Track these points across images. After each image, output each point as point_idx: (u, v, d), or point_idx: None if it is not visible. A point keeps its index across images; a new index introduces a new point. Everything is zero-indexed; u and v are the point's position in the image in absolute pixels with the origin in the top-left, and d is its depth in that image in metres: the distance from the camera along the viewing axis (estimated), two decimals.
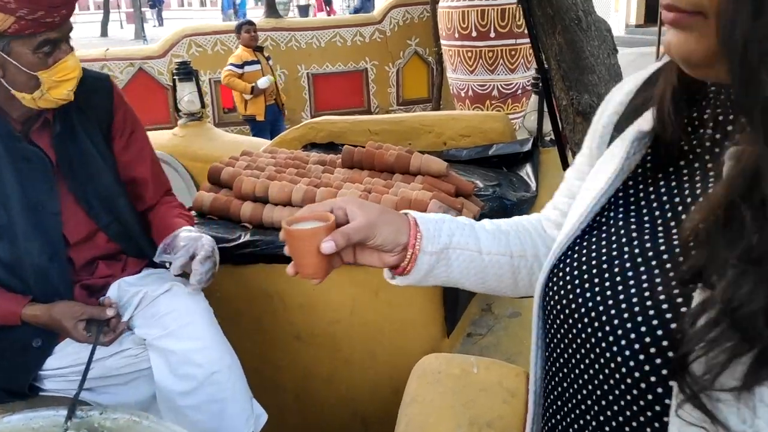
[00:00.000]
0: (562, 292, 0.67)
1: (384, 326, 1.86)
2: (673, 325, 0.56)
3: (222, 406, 1.53)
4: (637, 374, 0.58)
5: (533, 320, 0.73)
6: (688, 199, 0.62)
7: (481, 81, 6.49)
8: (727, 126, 0.62)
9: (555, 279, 0.69)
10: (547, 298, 0.70)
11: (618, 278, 0.62)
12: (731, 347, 0.49)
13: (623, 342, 0.59)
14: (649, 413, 0.57)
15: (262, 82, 5.60)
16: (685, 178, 0.65)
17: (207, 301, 1.64)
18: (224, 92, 6.84)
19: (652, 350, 0.56)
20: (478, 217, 2.01)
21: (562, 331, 0.67)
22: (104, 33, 19.68)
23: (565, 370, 0.68)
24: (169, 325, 1.54)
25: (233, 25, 6.75)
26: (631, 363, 0.58)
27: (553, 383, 0.70)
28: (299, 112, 7.47)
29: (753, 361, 0.49)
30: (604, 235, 0.68)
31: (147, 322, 1.57)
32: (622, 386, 0.59)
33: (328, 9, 21.39)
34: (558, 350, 0.69)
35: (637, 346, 0.58)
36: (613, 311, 0.61)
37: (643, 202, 0.67)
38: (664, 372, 0.55)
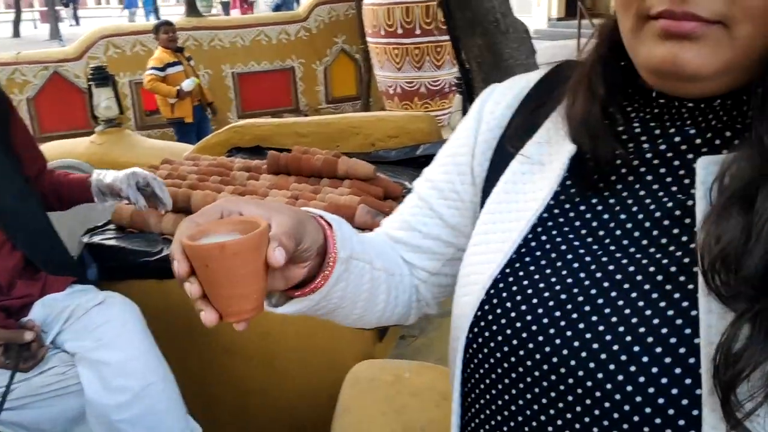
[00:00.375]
0: (508, 331, 0.59)
1: (316, 334, 1.84)
2: (683, 350, 0.51)
3: (158, 418, 1.51)
4: (648, 410, 0.51)
5: (456, 366, 0.64)
6: (639, 216, 0.58)
7: (408, 78, 6.54)
8: (675, 137, 0.59)
9: (490, 317, 0.61)
10: (480, 339, 0.61)
11: (587, 307, 0.56)
12: None
13: (621, 377, 0.52)
14: None
15: (187, 84, 5.47)
16: (625, 194, 0.60)
17: (140, 312, 1.62)
18: (146, 95, 6.62)
19: (664, 381, 0.51)
20: None
21: (513, 375, 0.59)
22: (16, 33, 18.74)
23: (515, 421, 0.59)
24: (103, 336, 1.51)
25: (152, 24, 6.55)
26: (638, 398, 0.51)
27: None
28: (225, 112, 7.32)
29: None
30: (543, 261, 0.61)
31: (78, 335, 1.53)
32: (624, 426, 0.52)
33: (245, 6, 20.87)
34: (504, 397, 0.60)
35: (642, 379, 0.51)
36: (596, 345, 0.54)
37: (577, 222, 0.62)
38: (685, 402, 0.50)
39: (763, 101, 0.52)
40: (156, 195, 1.73)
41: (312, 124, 2.73)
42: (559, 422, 0.55)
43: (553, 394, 0.55)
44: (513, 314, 0.59)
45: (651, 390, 0.51)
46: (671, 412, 0.50)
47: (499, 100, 0.73)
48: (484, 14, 1.71)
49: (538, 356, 0.56)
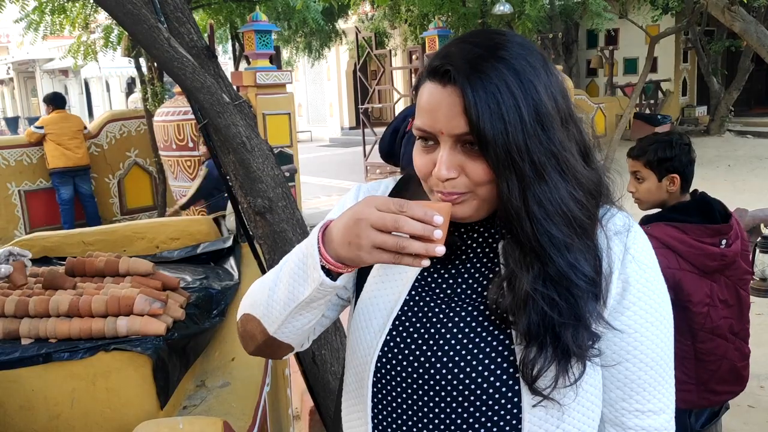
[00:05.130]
0: (411, 357, 0.93)
1: (104, 412, 2.09)
2: (506, 352, 0.87)
3: None
4: (495, 392, 0.87)
5: (367, 384, 0.96)
6: (470, 280, 0.94)
7: None
8: (478, 233, 0.96)
9: (396, 346, 0.94)
10: (385, 360, 0.94)
11: (454, 340, 0.91)
12: (555, 361, 0.84)
13: (480, 378, 0.88)
14: (506, 408, 0.88)
15: None
16: (463, 266, 0.95)
17: None
18: None
19: (498, 372, 0.88)
20: (185, 306, 2.37)
21: (420, 383, 0.92)
22: None
23: (410, 415, 0.92)
24: None
25: None
26: (489, 388, 0.88)
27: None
28: (12, 230, 7.10)
29: (558, 364, 0.84)
30: (425, 309, 0.95)
31: None
32: (485, 401, 0.88)
33: None
34: (411, 403, 0.93)
35: (492, 378, 0.88)
36: (462, 363, 0.89)
37: (439, 281, 0.96)
38: (510, 382, 0.87)
39: (503, 229, 0.90)
40: None
41: (98, 233, 2.99)
42: (443, 396, 0.90)
43: (441, 388, 0.91)
44: (416, 342, 0.93)
45: (491, 377, 0.88)
46: (504, 388, 0.88)
47: (370, 194, 1.06)
48: (232, 138, 2.18)
49: (431, 369, 0.91)
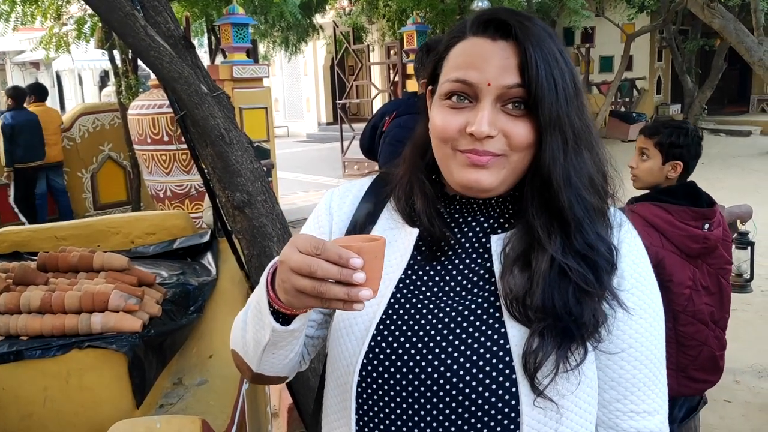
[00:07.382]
0: (404, 357, 0.87)
1: (78, 411, 2.03)
2: (501, 353, 0.83)
3: None
4: (485, 390, 0.83)
5: (351, 389, 0.90)
6: (459, 277, 0.91)
7: (178, 181, 6.80)
8: (473, 224, 0.93)
9: (382, 352, 0.88)
10: (375, 367, 0.88)
11: (441, 338, 0.86)
12: (554, 352, 0.82)
13: (468, 375, 0.84)
14: (503, 412, 0.83)
15: None
16: (450, 263, 0.91)
17: None
18: None
19: (494, 373, 0.83)
20: (161, 302, 2.32)
21: (408, 387, 0.87)
22: None
23: (399, 426, 0.86)
24: None
25: None
26: (479, 385, 0.83)
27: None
28: None
29: (558, 354, 0.81)
30: (411, 311, 0.90)
31: None
32: (474, 400, 0.83)
33: None
34: (402, 404, 0.87)
35: (481, 374, 0.83)
36: (450, 360, 0.85)
37: (426, 280, 0.92)
38: (507, 384, 0.82)
39: (531, 201, 0.87)
40: None
41: (70, 228, 2.91)
42: (435, 403, 0.85)
43: (433, 394, 0.86)
44: (403, 346, 0.88)
45: (487, 379, 0.84)
46: (500, 391, 0.84)
47: (343, 199, 1.03)
48: (210, 130, 2.13)
49: (422, 375, 0.86)
